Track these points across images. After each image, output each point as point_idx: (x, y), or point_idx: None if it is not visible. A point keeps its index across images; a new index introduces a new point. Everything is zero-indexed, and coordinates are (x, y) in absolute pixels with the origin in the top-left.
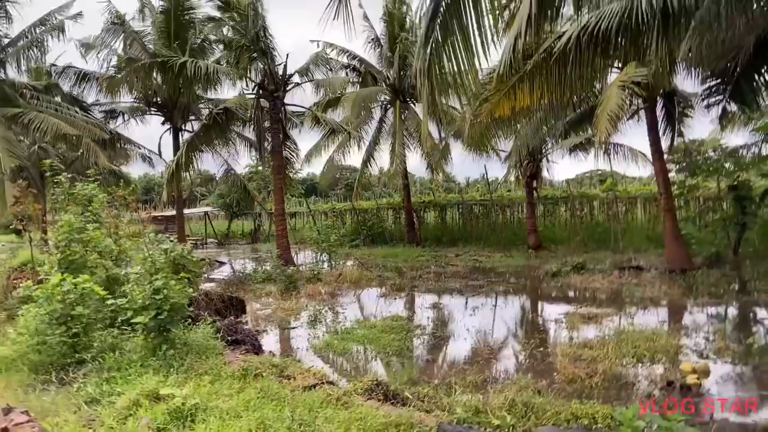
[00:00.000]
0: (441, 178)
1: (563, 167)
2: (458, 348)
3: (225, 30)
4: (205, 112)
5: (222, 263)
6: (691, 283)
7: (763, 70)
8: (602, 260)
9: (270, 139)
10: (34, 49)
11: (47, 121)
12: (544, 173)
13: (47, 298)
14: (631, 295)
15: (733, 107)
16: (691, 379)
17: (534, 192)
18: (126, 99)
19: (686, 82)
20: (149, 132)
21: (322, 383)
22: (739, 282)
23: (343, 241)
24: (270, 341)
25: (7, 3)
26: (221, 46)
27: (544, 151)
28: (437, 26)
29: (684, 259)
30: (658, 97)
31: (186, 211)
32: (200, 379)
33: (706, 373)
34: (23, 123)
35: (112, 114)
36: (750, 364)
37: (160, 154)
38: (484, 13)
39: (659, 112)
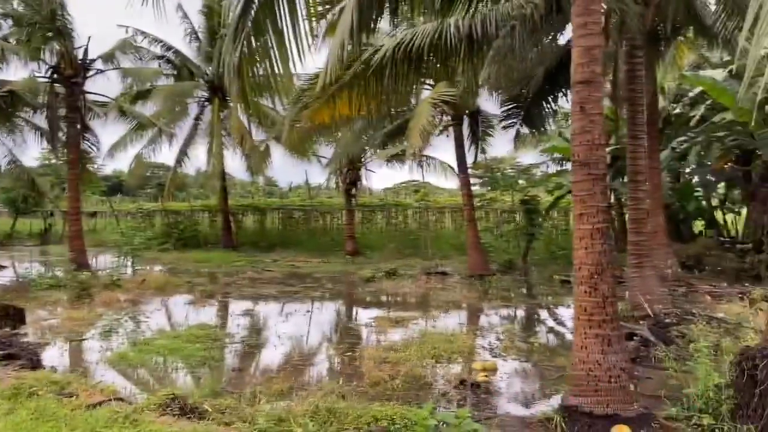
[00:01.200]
0: (262, 181)
1: (381, 176)
2: (269, 356)
3: (15, 3)
4: None
5: (3, 267)
6: (487, 287)
7: (550, 98)
8: (413, 266)
9: (65, 129)
10: None
11: None
12: (363, 181)
13: None
14: (436, 298)
15: (525, 129)
16: (480, 377)
17: (353, 199)
18: None
19: (488, 104)
20: None
21: (110, 400)
22: (527, 286)
23: (151, 244)
24: (54, 355)
25: None
26: (9, 22)
27: (363, 159)
28: (249, 22)
29: (482, 265)
30: (465, 116)
31: None
32: None
33: (494, 370)
34: None
35: None
36: (532, 361)
37: None
38: (300, 20)
39: (465, 129)
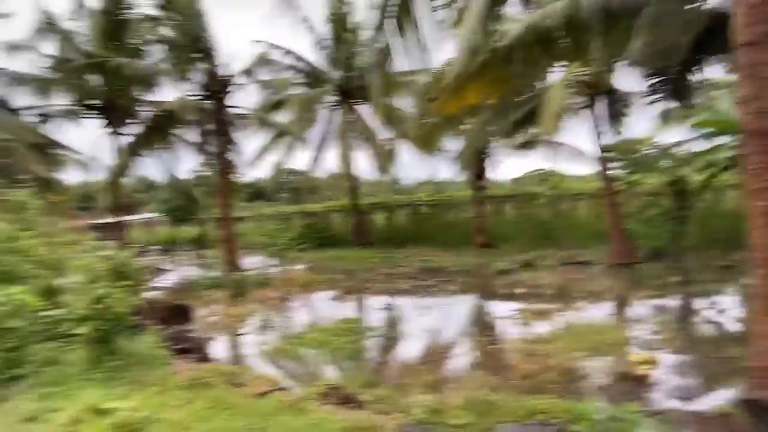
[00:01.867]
0: (387, 179)
1: (509, 166)
2: (412, 348)
3: (165, 30)
4: (146, 114)
5: (167, 270)
6: (636, 277)
7: (699, 68)
8: (549, 257)
9: (214, 142)
10: None
11: None
12: (491, 172)
13: None
14: (579, 289)
15: (671, 104)
16: (641, 370)
17: (481, 191)
18: (60, 101)
19: (626, 81)
20: (87, 136)
21: (275, 390)
22: (680, 274)
23: (292, 245)
24: (219, 349)
25: None
26: (161, 47)
27: (490, 150)
28: (387, 20)
29: (627, 253)
30: (600, 95)
31: (127, 218)
32: (146, 390)
33: (654, 363)
34: None
35: (45, 117)
36: (695, 353)
37: (98, 160)
38: (430, 12)
39: (600, 110)
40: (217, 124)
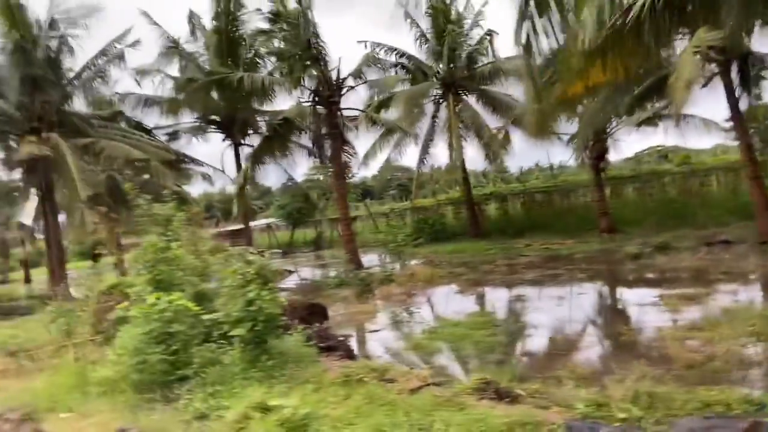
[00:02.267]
0: (494, 169)
1: (629, 145)
2: (555, 339)
3: (276, 42)
4: (263, 125)
5: (291, 272)
6: None
7: None
8: (685, 237)
9: (328, 146)
10: (98, 79)
11: (117, 147)
12: (611, 153)
13: (145, 317)
14: (727, 271)
15: None
16: None
17: (601, 173)
18: (186, 119)
19: (760, 43)
20: (209, 150)
21: (427, 385)
22: None
23: (408, 240)
24: (360, 345)
25: (68, 37)
26: (273, 58)
27: (609, 129)
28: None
29: None
30: (734, 60)
31: (250, 224)
32: (303, 388)
33: None
34: (94, 151)
35: (173, 135)
36: None
37: (223, 171)
38: None
39: (735, 76)
40: (330, 127)
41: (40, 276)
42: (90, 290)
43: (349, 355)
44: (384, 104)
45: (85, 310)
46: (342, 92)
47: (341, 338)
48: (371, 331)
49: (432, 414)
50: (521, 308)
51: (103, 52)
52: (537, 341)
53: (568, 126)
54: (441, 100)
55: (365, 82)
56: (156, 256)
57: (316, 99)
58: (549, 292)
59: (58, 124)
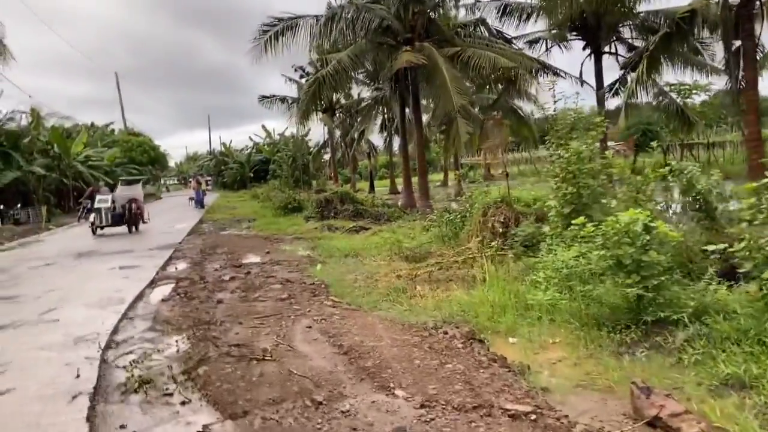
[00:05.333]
0: None
1: None
2: None
3: None
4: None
5: None
6: None
7: None
8: None
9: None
10: None
11: (483, 56)
12: None
13: (614, 238)
14: None
15: None
16: None
17: None
18: (541, 27)
19: None
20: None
21: None
22: None
23: None
24: None
25: None
26: None
27: None
28: None
29: None
30: None
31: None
32: None
33: None
34: (462, 60)
35: (532, 44)
36: None
37: (582, 82)
38: None
39: None
40: (742, 25)
41: (383, 188)
42: (473, 202)
43: None
44: None
45: (465, 222)
46: None
47: None
48: None
49: None
50: None
51: None
52: None
53: None
54: None
55: None
56: (575, 168)
57: None
58: None
59: (427, 34)
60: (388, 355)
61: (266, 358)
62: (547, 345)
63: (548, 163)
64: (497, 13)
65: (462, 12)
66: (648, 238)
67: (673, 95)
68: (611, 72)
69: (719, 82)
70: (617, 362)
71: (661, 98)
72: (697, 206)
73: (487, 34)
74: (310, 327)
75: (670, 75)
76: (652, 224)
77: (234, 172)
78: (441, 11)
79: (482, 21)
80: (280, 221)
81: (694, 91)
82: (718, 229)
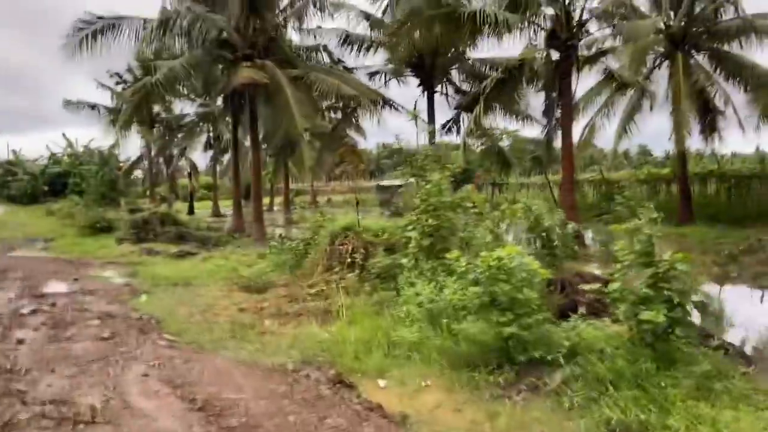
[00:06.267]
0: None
1: None
2: None
3: None
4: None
5: None
6: None
7: None
8: None
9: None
10: (312, 7)
11: (327, 81)
12: None
13: (487, 273)
14: None
15: None
16: None
17: None
18: (379, 60)
19: None
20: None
21: None
22: None
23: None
24: None
25: None
26: None
27: None
28: None
29: None
30: None
31: None
32: None
33: None
34: (306, 84)
35: (372, 75)
36: None
37: (416, 119)
38: None
39: None
40: (562, 75)
41: (203, 210)
42: (316, 229)
43: None
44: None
45: (309, 250)
46: (581, 36)
47: None
48: None
49: None
50: None
51: None
52: None
53: None
54: (662, 60)
55: (612, 26)
56: (436, 201)
57: (551, 42)
58: None
59: (268, 52)
60: (256, 410)
61: (96, 420)
62: (420, 388)
63: (377, 192)
64: (338, 40)
65: (303, 36)
66: (525, 275)
67: (496, 137)
68: (442, 110)
69: (530, 130)
70: (499, 407)
71: (484, 139)
72: (542, 243)
73: (329, 61)
74: (146, 375)
75: (498, 119)
76: (525, 261)
77: (24, 185)
78: (283, 31)
79: (324, 47)
80: (87, 242)
81: (504, 136)
82: (557, 264)
